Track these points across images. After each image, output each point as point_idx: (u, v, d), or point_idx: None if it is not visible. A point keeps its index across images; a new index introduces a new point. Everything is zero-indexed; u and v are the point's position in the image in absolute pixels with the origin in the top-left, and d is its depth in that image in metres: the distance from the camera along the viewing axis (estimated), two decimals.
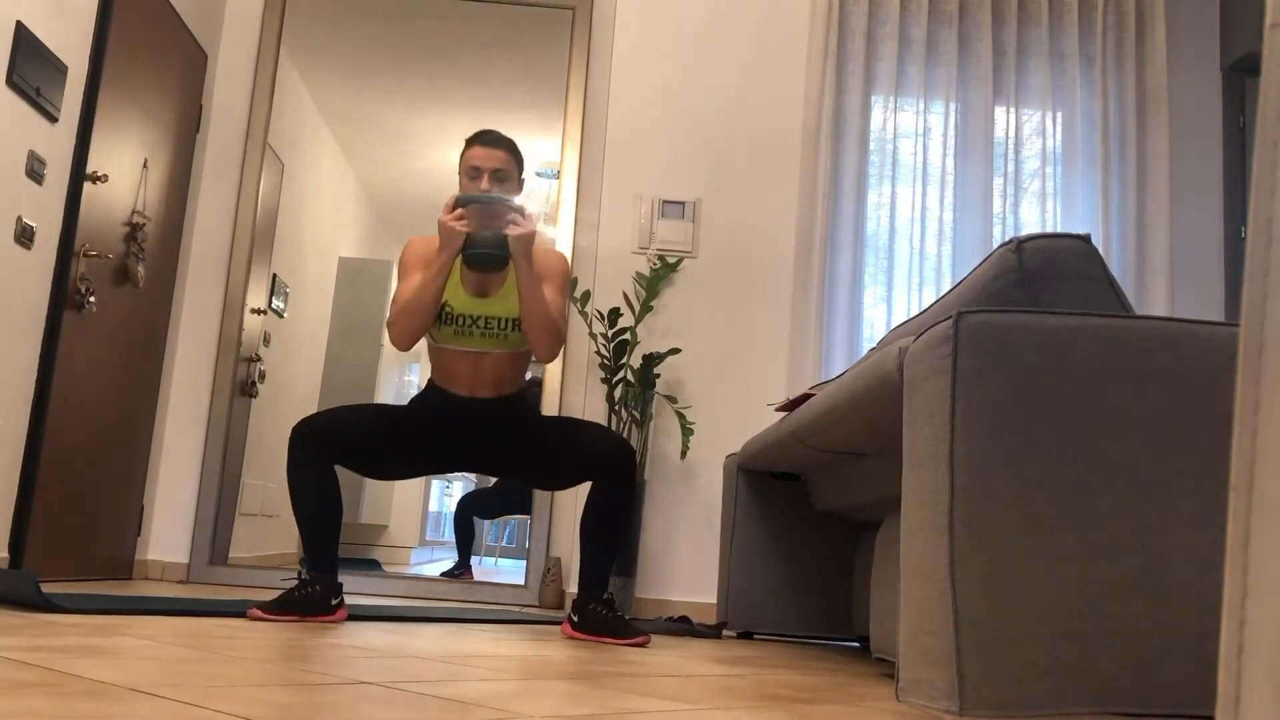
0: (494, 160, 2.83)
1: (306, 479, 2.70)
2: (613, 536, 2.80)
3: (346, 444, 2.76)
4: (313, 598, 2.63)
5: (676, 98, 4.53)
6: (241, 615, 2.58)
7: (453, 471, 2.98)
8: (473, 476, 10.21)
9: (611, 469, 2.76)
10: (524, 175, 2.93)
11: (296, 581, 2.67)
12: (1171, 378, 1.72)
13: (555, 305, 2.79)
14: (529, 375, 3.04)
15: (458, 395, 2.84)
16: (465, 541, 5.94)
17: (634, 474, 2.78)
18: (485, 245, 2.70)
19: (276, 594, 2.69)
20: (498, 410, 2.86)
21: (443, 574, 5.92)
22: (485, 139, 2.86)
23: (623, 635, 2.67)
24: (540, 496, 4.33)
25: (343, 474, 2.79)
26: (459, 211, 2.72)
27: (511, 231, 2.70)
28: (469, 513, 6.01)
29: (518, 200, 2.83)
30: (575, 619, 2.78)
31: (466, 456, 2.90)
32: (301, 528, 2.72)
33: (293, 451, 2.71)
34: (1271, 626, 0.56)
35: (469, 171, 2.84)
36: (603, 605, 2.74)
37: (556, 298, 2.81)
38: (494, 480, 6.02)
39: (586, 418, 4.29)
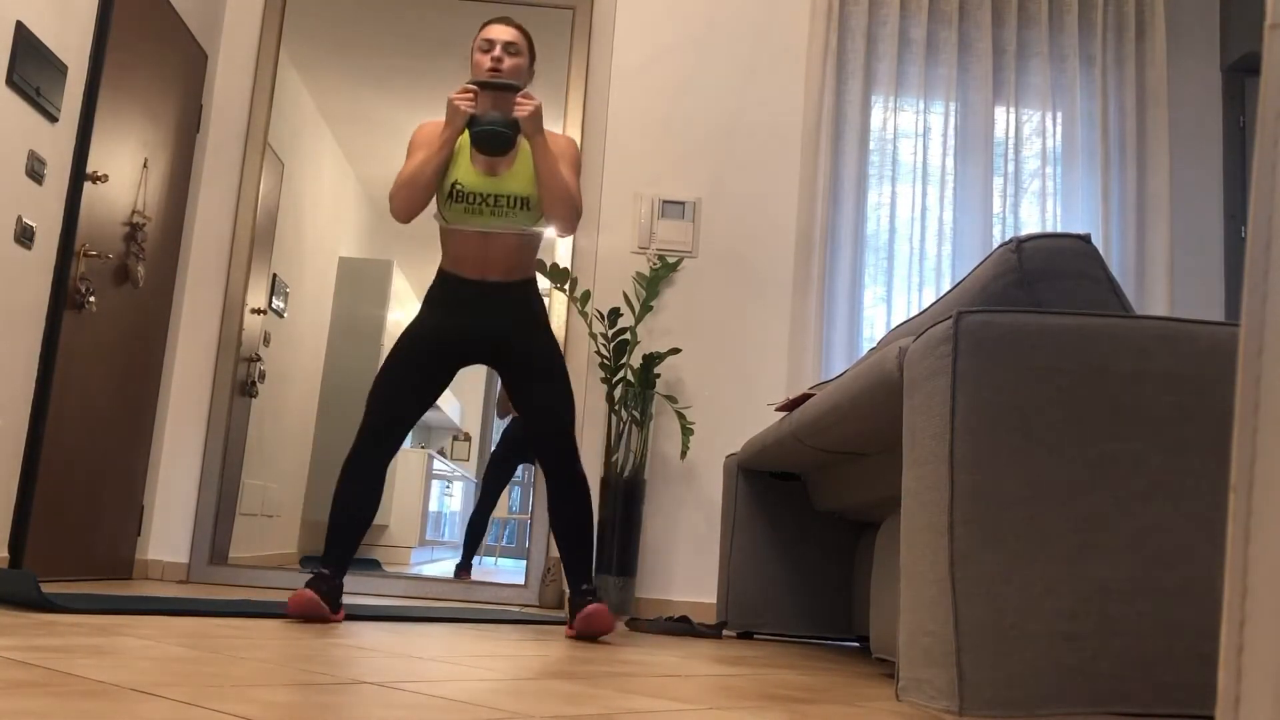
0: (507, 34, 2.89)
1: (365, 478, 2.75)
2: (579, 532, 2.81)
3: (406, 421, 2.81)
4: (336, 591, 2.66)
5: (676, 98, 4.53)
6: (242, 615, 2.58)
7: (471, 365, 2.98)
8: (474, 478, 10.22)
9: (549, 450, 2.80)
10: (534, 68, 2.97)
11: (315, 574, 2.68)
12: (1171, 378, 1.72)
13: (570, 179, 2.84)
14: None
15: (467, 278, 2.87)
16: (473, 543, 5.96)
17: (573, 462, 2.81)
18: (492, 123, 2.75)
19: (281, 593, 2.70)
20: (508, 294, 2.87)
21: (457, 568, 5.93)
22: (500, 19, 2.94)
23: (582, 609, 2.68)
24: (539, 496, 4.33)
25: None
26: (468, 92, 2.79)
27: (519, 112, 2.76)
28: (484, 514, 6.02)
29: (528, 83, 2.92)
30: (569, 618, 2.80)
31: (479, 346, 2.89)
32: (337, 523, 2.74)
33: (364, 451, 2.75)
34: (1271, 626, 0.56)
35: (481, 45, 2.89)
36: (581, 595, 2.77)
37: (570, 174, 2.86)
38: (489, 480, 6.03)
39: (586, 418, 4.29)
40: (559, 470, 2.83)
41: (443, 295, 2.89)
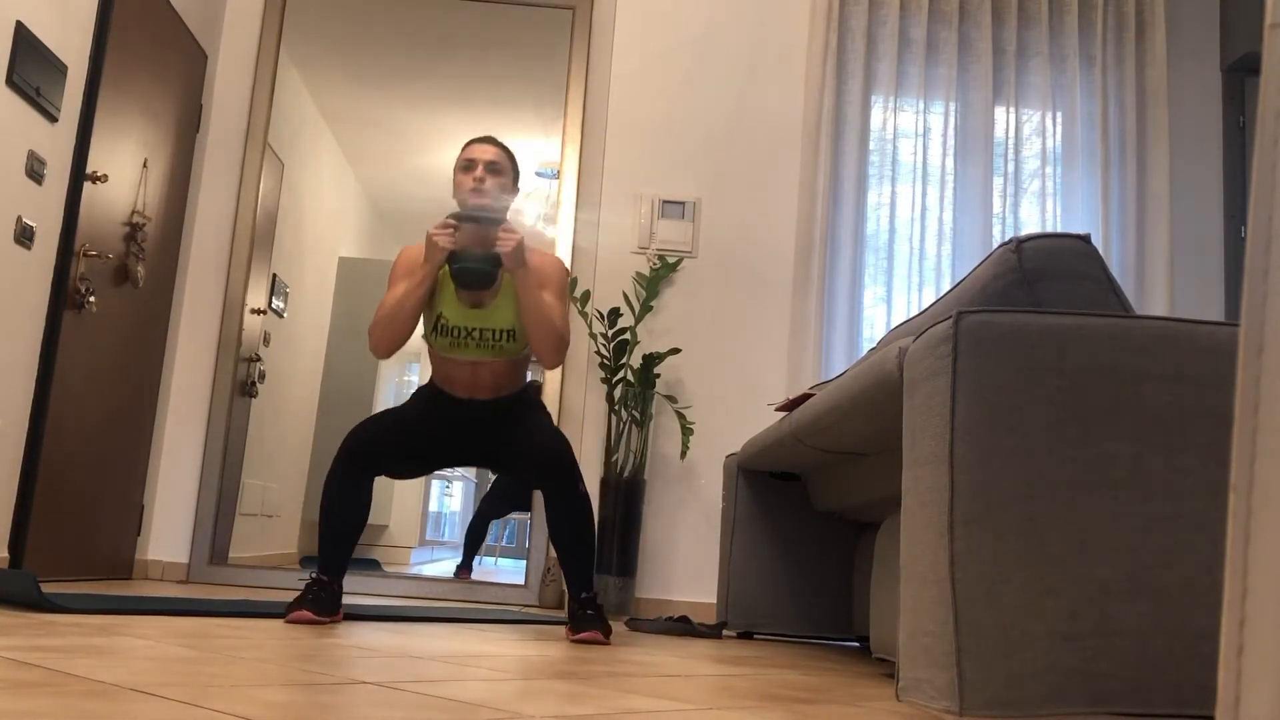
0: (488, 154, 2.85)
1: (348, 490, 2.74)
2: (577, 541, 2.79)
3: (391, 455, 2.80)
4: (327, 598, 2.65)
5: (676, 98, 4.53)
6: (242, 615, 2.58)
7: (456, 466, 3.00)
8: (473, 476, 10.23)
9: (548, 477, 2.75)
10: (519, 185, 2.95)
11: (312, 580, 2.68)
12: (1171, 378, 1.72)
13: (557, 311, 2.79)
14: (529, 377, 3.05)
15: (457, 396, 2.87)
16: (473, 545, 5.96)
17: (573, 479, 2.76)
18: (472, 260, 2.70)
19: (281, 593, 2.70)
20: (496, 409, 2.88)
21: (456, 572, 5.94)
22: (482, 138, 2.92)
23: (584, 629, 2.68)
24: (539, 497, 4.33)
25: None
26: (449, 226, 2.74)
27: (501, 247, 2.70)
28: (486, 519, 6.03)
29: (512, 203, 2.87)
30: (569, 624, 2.80)
31: (466, 451, 2.93)
32: (327, 533, 2.73)
33: (343, 463, 2.75)
34: (1271, 626, 0.56)
35: (463, 165, 2.86)
36: (581, 605, 2.76)
37: (557, 303, 2.81)
38: (493, 478, 6.04)
39: (586, 418, 4.29)
40: (560, 495, 2.79)
41: (433, 402, 2.89)
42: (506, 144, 2.95)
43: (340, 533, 2.74)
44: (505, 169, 2.87)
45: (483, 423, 2.88)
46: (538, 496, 4.32)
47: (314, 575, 2.70)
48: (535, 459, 2.76)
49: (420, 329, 2.89)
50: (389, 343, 2.78)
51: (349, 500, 2.74)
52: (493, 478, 6.15)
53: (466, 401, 2.86)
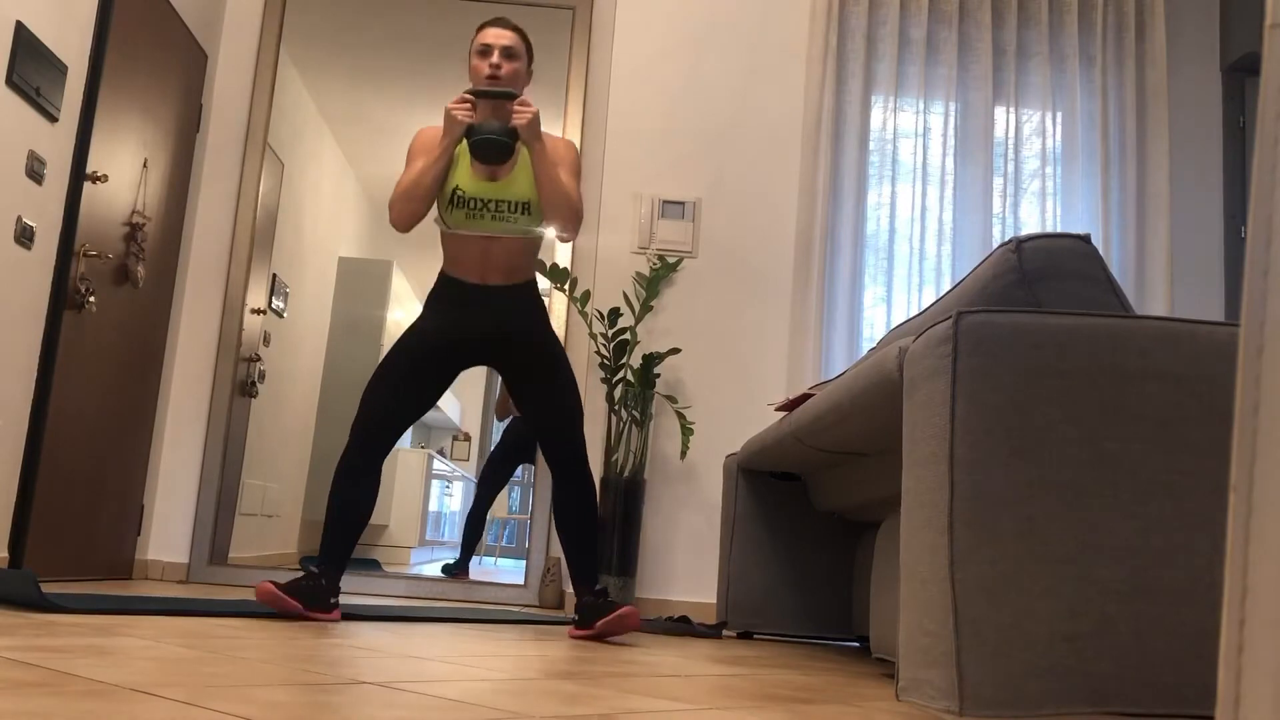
0: (504, 39, 2.89)
1: (359, 479, 2.76)
2: (585, 532, 2.82)
3: (402, 421, 2.82)
4: (318, 591, 2.65)
5: (676, 98, 4.53)
6: (242, 615, 2.58)
7: (470, 366, 2.98)
8: (474, 479, 10.21)
9: (556, 449, 2.82)
10: (533, 68, 2.98)
11: (304, 573, 2.69)
12: (1171, 378, 1.72)
13: (569, 184, 2.84)
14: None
15: (469, 282, 2.87)
16: (471, 540, 5.95)
17: (579, 469, 2.83)
18: (490, 131, 2.75)
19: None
20: (509, 297, 2.88)
21: (444, 568, 5.93)
22: (497, 21, 2.93)
23: (610, 611, 2.69)
24: (540, 496, 4.33)
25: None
26: (466, 101, 2.79)
27: (517, 120, 2.76)
28: (481, 512, 6.01)
29: (528, 84, 2.94)
30: (576, 618, 2.80)
31: (480, 349, 2.90)
32: (331, 523, 2.75)
33: (356, 451, 2.76)
34: (1271, 626, 0.56)
35: (479, 49, 2.89)
36: (595, 595, 2.78)
37: (570, 179, 2.86)
38: (486, 481, 6.03)
39: (587, 417, 4.29)
40: (565, 470, 2.83)
41: (444, 298, 2.89)
42: (519, 26, 2.97)
43: (347, 520, 2.75)
44: (520, 53, 2.91)
45: (497, 312, 2.87)
46: (539, 497, 4.33)
47: (308, 569, 2.71)
48: (541, 408, 2.83)
49: (434, 214, 2.90)
50: (409, 215, 2.81)
51: (356, 488, 2.75)
52: (486, 481, 6.13)
53: (479, 286, 2.86)
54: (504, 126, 2.77)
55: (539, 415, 2.86)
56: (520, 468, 6.16)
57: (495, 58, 2.85)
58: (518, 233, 2.84)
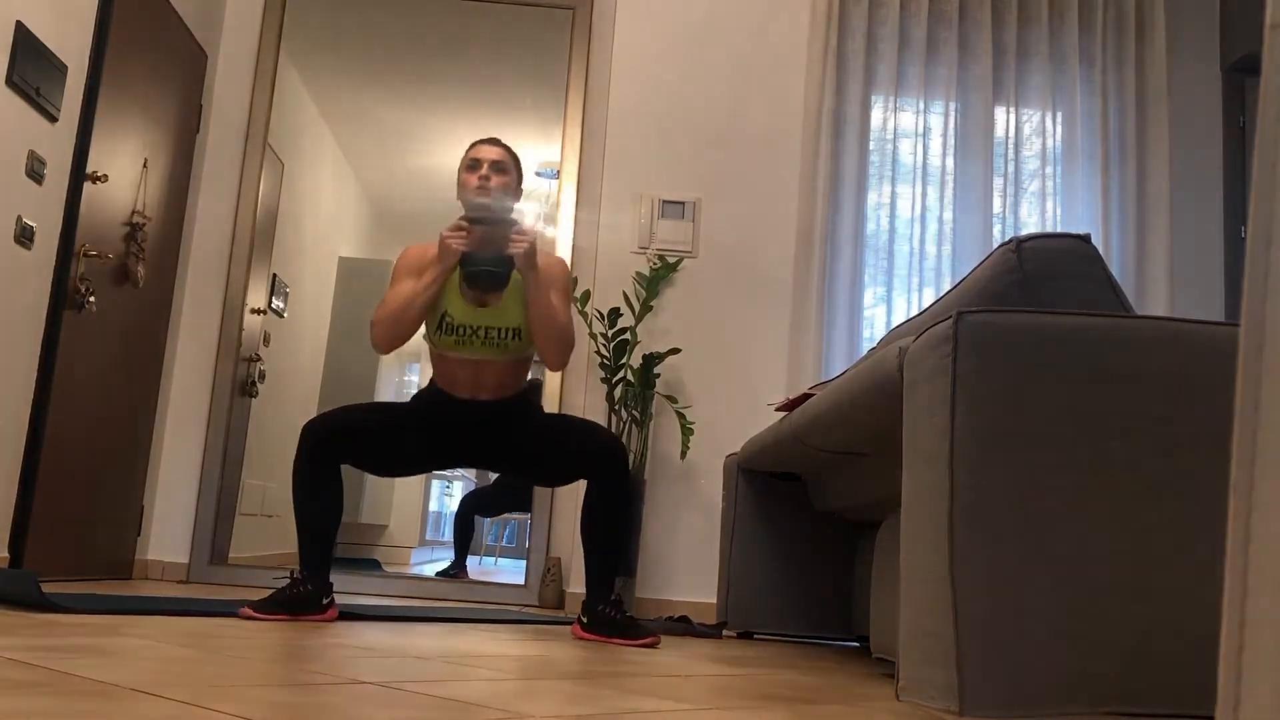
0: (493, 154, 2.88)
1: (314, 480, 2.74)
2: (612, 536, 2.81)
3: (358, 446, 2.80)
4: (303, 596, 2.65)
5: (676, 98, 4.53)
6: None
7: (455, 467, 2.99)
8: (473, 476, 10.21)
9: (602, 468, 2.79)
10: (523, 186, 2.97)
11: (288, 580, 2.68)
12: (1171, 378, 1.72)
13: (563, 312, 2.82)
14: (529, 376, 3.05)
15: (458, 397, 2.86)
16: (464, 541, 5.94)
17: (625, 472, 2.80)
18: (485, 263, 2.71)
19: (269, 593, 2.70)
20: (498, 411, 2.87)
21: (438, 573, 5.93)
22: (486, 140, 2.94)
23: (632, 636, 2.67)
24: (540, 496, 4.33)
25: (345, 473, 2.81)
26: (461, 228, 2.75)
27: (514, 249, 2.72)
28: (471, 512, 6.01)
29: (516, 205, 2.88)
30: (585, 620, 2.79)
31: (467, 453, 2.93)
32: (301, 527, 2.74)
33: (304, 451, 2.75)
34: (1271, 626, 0.56)
35: (468, 164, 2.88)
36: (610, 606, 2.75)
37: (562, 303, 2.84)
38: (494, 478, 6.03)
39: (587, 418, 4.29)
40: (610, 484, 2.79)
41: (434, 403, 2.89)
42: (510, 145, 2.96)
43: (312, 521, 2.74)
44: (510, 169, 2.89)
45: (486, 426, 2.87)
46: (539, 497, 4.32)
47: (292, 574, 2.70)
48: (591, 453, 2.79)
49: (422, 330, 2.89)
50: (392, 340, 2.80)
51: (319, 491, 2.74)
52: (493, 476, 6.13)
53: (468, 402, 2.85)
54: (499, 257, 2.72)
55: (576, 464, 2.83)
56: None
57: (485, 171, 2.84)
58: (508, 356, 2.83)
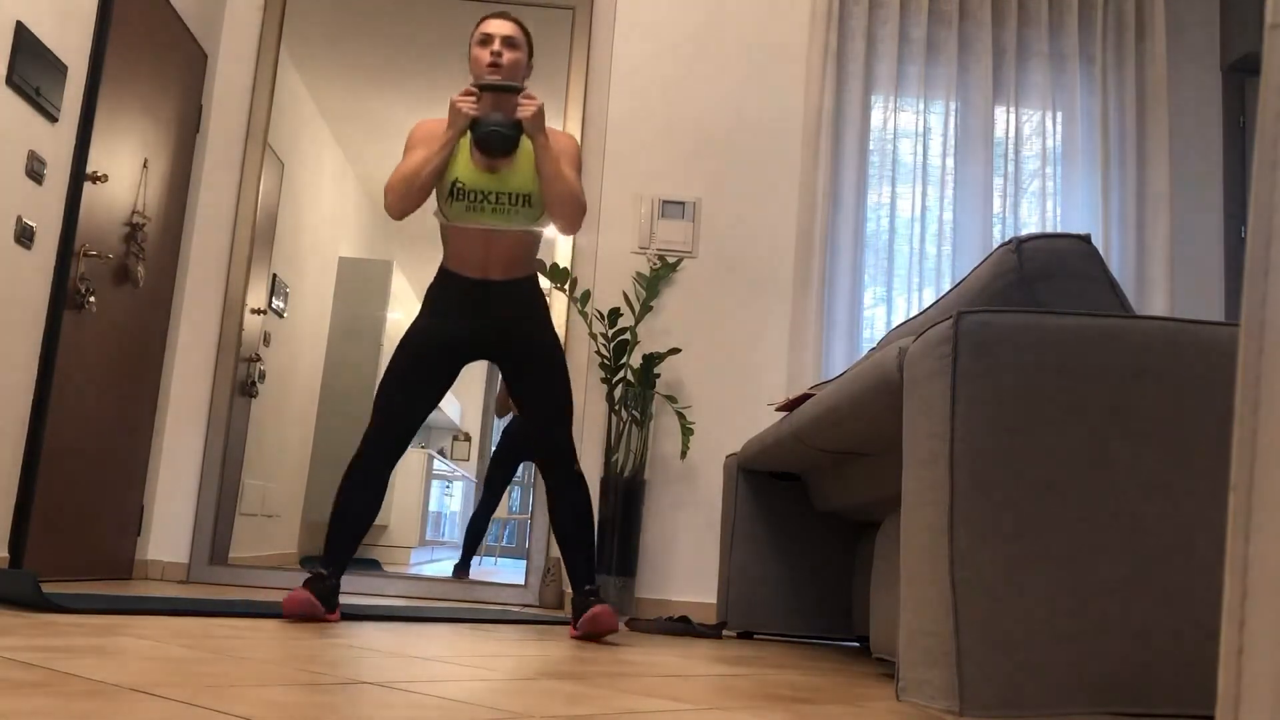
0: (505, 29, 2.88)
1: (369, 480, 2.76)
2: (579, 531, 2.82)
3: (414, 422, 2.82)
4: (330, 591, 2.67)
5: (676, 98, 4.53)
6: (241, 615, 2.58)
7: (473, 361, 2.97)
8: (474, 478, 10.21)
9: (546, 444, 2.82)
10: (533, 60, 2.98)
11: (313, 574, 2.69)
12: (1171, 378, 1.72)
13: (572, 177, 2.84)
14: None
15: (469, 277, 2.86)
16: (473, 541, 5.96)
17: (569, 468, 2.82)
18: (496, 125, 2.75)
19: (281, 594, 2.71)
20: (509, 292, 2.87)
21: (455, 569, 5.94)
22: (498, 13, 2.94)
23: (600, 604, 2.69)
24: (539, 496, 4.33)
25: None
26: (471, 94, 2.80)
27: (522, 113, 2.76)
28: (491, 508, 6.02)
29: (529, 75, 2.95)
30: (572, 618, 2.80)
31: (481, 344, 2.89)
32: (337, 524, 2.75)
33: (369, 455, 2.76)
34: (1271, 626, 0.56)
35: (479, 39, 2.89)
36: (583, 596, 2.78)
37: (572, 172, 2.86)
38: (493, 480, 6.03)
39: (586, 418, 4.29)
40: (556, 467, 2.83)
41: (444, 294, 2.89)
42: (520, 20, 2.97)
43: (353, 523, 2.75)
44: (521, 44, 2.91)
45: (496, 309, 2.86)
46: (539, 497, 4.33)
47: (316, 570, 2.72)
48: (534, 400, 2.82)
49: (431, 205, 2.90)
50: (405, 205, 2.81)
51: (365, 490, 2.76)
52: (491, 483, 6.14)
53: (479, 281, 2.85)
54: (509, 120, 2.77)
55: (530, 407, 2.86)
56: (521, 467, 6.17)
57: (496, 46, 2.85)
58: (518, 225, 2.84)
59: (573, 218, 2.83)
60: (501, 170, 2.83)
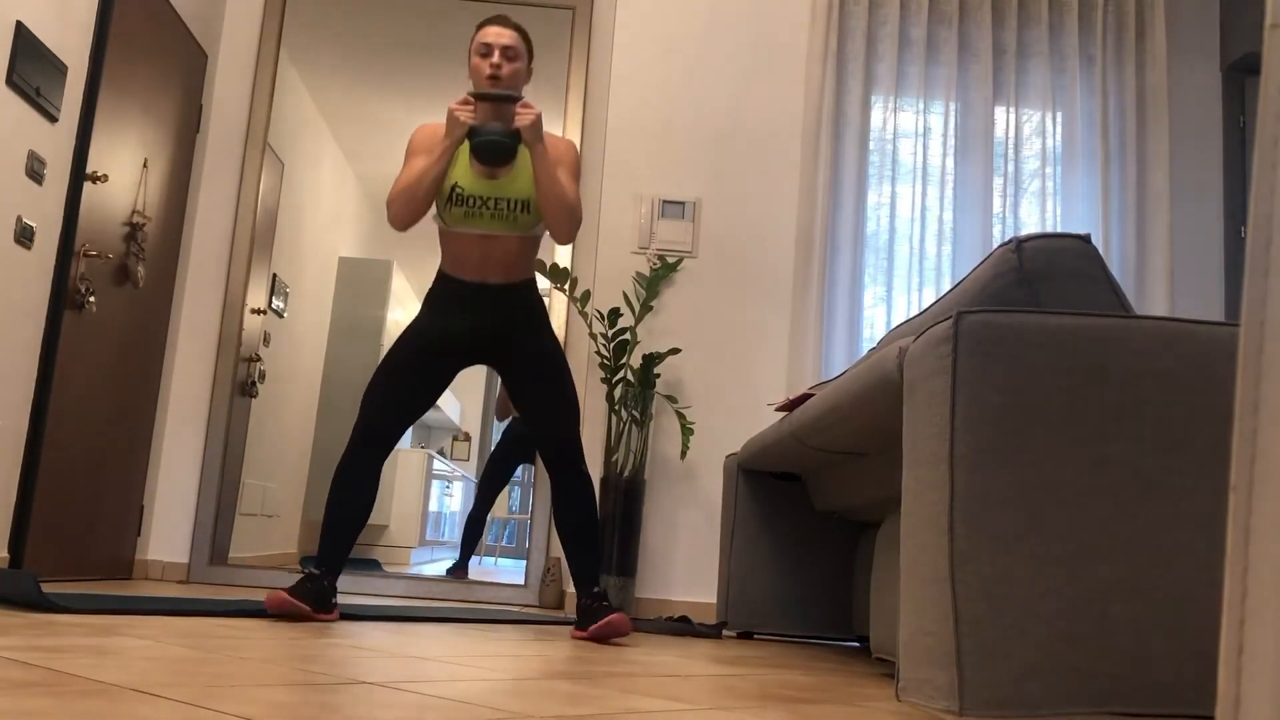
0: (504, 38, 2.87)
1: (359, 478, 2.76)
2: (584, 532, 2.82)
3: (402, 421, 2.82)
4: (322, 592, 2.66)
5: (676, 98, 4.53)
6: (240, 615, 2.58)
7: (469, 366, 2.96)
8: (474, 479, 10.20)
9: (553, 449, 2.82)
10: (533, 67, 2.97)
11: (304, 574, 2.69)
12: (1171, 378, 1.72)
13: (569, 186, 2.83)
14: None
15: (468, 281, 2.86)
16: (471, 541, 5.96)
17: (577, 469, 2.83)
18: (493, 134, 2.76)
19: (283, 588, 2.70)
20: (508, 296, 2.87)
21: (448, 571, 5.94)
22: (497, 19, 2.91)
23: (601, 617, 2.68)
24: (539, 496, 4.33)
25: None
26: (469, 103, 2.80)
27: (520, 121, 2.76)
28: (482, 513, 6.02)
29: (527, 84, 2.95)
30: (576, 620, 2.80)
31: (479, 348, 2.90)
32: (331, 523, 2.74)
33: (356, 452, 2.76)
34: (1271, 626, 0.56)
35: (479, 49, 2.87)
36: (592, 599, 2.77)
37: (570, 181, 2.86)
38: (486, 481, 6.03)
39: (586, 418, 4.29)
40: (563, 470, 2.82)
41: (443, 297, 2.89)
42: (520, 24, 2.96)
43: (346, 521, 2.75)
44: (520, 53, 2.90)
45: (494, 312, 2.86)
46: (539, 497, 4.32)
47: (308, 570, 2.71)
48: (539, 406, 2.82)
49: (433, 212, 2.90)
50: (408, 214, 2.81)
51: (357, 488, 2.75)
52: (487, 482, 6.13)
53: (477, 285, 2.85)
54: (506, 129, 2.77)
55: (536, 413, 2.85)
56: (520, 467, 6.17)
57: (495, 57, 2.84)
58: (517, 231, 2.84)
59: (567, 227, 2.82)
60: (501, 176, 2.83)
